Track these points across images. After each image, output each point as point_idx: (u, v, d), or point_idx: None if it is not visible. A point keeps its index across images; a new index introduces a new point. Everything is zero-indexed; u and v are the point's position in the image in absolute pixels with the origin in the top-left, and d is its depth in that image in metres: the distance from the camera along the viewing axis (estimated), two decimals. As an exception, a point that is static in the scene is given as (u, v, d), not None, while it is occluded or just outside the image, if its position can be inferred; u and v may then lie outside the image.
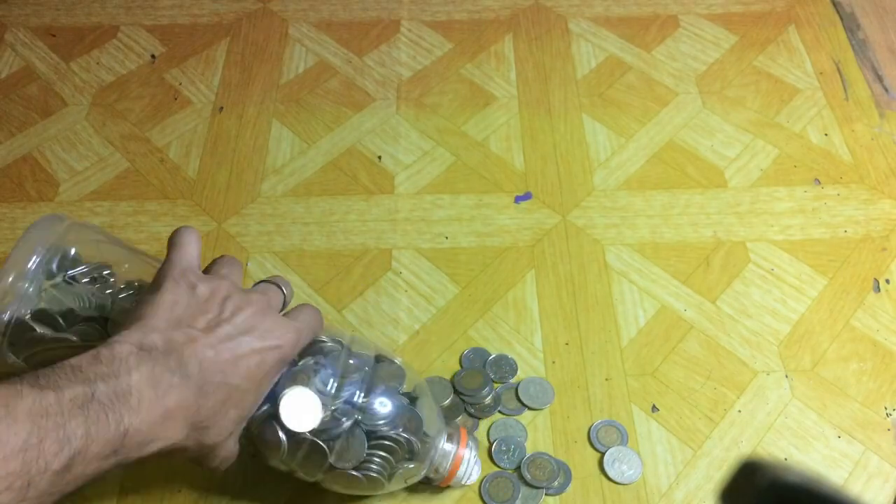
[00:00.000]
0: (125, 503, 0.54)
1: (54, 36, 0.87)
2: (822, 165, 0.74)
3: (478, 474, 0.53)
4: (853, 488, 0.55)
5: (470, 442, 0.52)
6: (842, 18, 0.88)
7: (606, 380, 0.60)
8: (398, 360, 0.52)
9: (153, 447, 0.39)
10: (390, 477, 0.49)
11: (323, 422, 0.46)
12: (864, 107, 0.79)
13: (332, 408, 0.47)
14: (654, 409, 0.59)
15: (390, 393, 0.49)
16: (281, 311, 0.48)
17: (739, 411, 0.58)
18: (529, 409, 0.59)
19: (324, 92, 0.82)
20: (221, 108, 0.80)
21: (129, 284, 0.52)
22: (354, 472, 0.47)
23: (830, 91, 0.81)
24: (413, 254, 0.68)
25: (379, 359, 0.51)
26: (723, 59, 0.84)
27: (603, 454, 0.56)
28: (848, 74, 0.82)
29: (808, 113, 0.79)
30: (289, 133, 0.78)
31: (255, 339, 0.43)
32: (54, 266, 0.49)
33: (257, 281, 0.50)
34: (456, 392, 0.59)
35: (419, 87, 0.82)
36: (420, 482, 0.52)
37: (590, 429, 0.57)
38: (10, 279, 0.47)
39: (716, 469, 0.56)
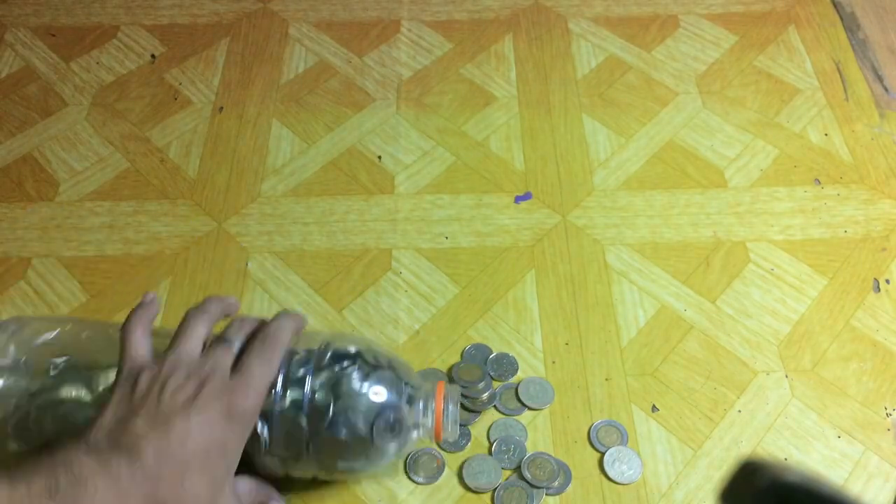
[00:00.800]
0: None
1: (54, 36, 0.87)
2: (823, 165, 0.74)
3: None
4: (853, 488, 0.55)
5: (448, 391, 0.51)
6: (842, 18, 0.88)
7: (606, 380, 0.60)
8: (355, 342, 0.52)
9: None
10: (372, 437, 0.49)
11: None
12: (865, 107, 0.79)
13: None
14: (654, 409, 0.59)
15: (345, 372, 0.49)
16: (235, 363, 0.48)
17: (739, 411, 0.58)
18: (529, 409, 0.59)
19: (324, 92, 0.81)
20: (221, 108, 0.80)
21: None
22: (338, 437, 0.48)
23: (830, 91, 0.81)
24: (413, 254, 0.68)
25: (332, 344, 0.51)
26: (723, 59, 0.84)
27: (603, 454, 0.56)
28: (848, 74, 0.82)
29: (809, 113, 0.79)
30: (289, 133, 0.78)
31: (195, 412, 0.44)
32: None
33: (214, 337, 0.50)
34: (452, 383, 0.59)
35: (419, 86, 0.82)
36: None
37: (590, 429, 0.57)
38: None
39: (716, 469, 0.56)
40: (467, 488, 0.54)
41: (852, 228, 0.69)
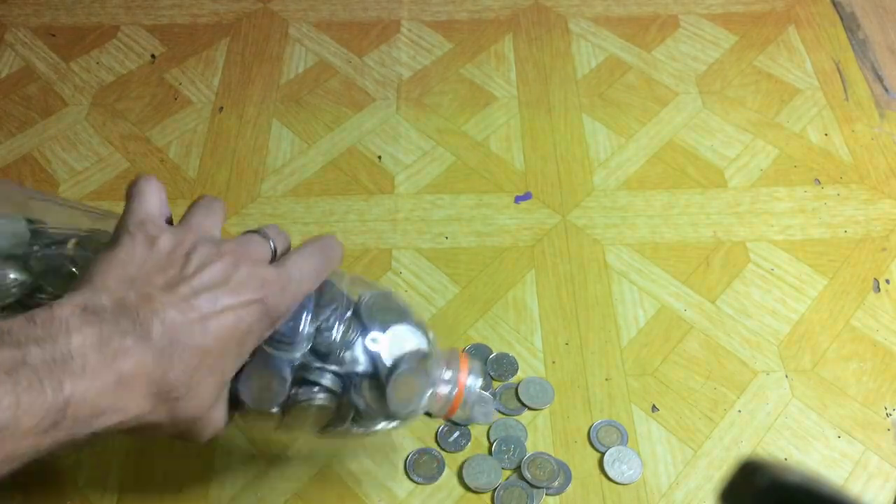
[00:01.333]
0: (123, 501, 0.54)
1: (54, 36, 0.87)
2: (822, 165, 0.74)
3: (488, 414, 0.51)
4: (853, 488, 0.55)
5: (472, 366, 0.48)
6: (842, 18, 0.88)
7: (606, 380, 0.60)
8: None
9: (107, 420, 0.33)
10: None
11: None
12: (865, 107, 0.79)
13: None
14: (654, 409, 0.59)
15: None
16: (272, 261, 0.42)
17: (739, 411, 0.58)
18: (529, 409, 0.59)
19: (324, 92, 0.81)
20: (221, 108, 0.80)
21: (79, 238, 0.45)
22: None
23: (830, 91, 0.81)
24: (413, 254, 0.68)
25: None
26: (723, 59, 0.84)
27: (603, 454, 0.56)
28: (848, 74, 0.82)
29: (809, 113, 0.79)
30: (289, 133, 0.78)
31: (227, 296, 0.37)
32: None
33: (244, 231, 0.44)
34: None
35: (419, 86, 0.82)
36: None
37: (590, 429, 0.57)
38: None
39: (716, 469, 0.56)
40: (467, 488, 0.54)
41: (852, 228, 0.69)
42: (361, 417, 0.45)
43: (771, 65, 0.84)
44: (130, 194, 0.41)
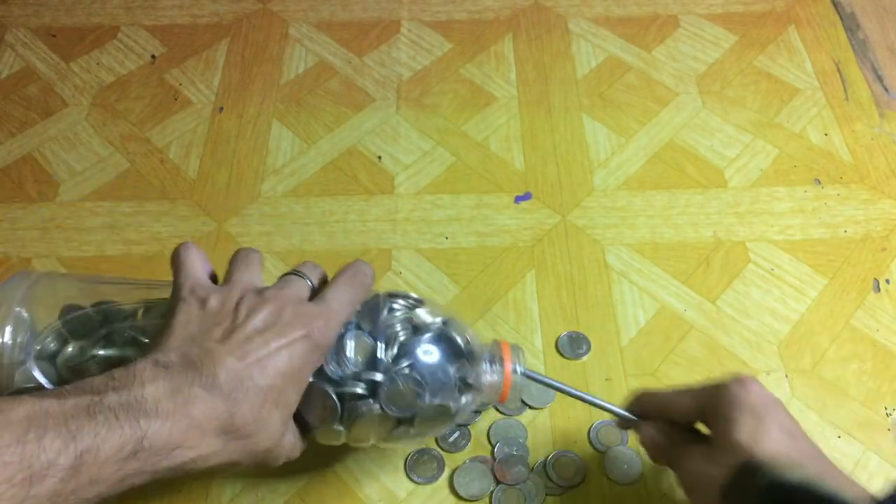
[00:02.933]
0: (126, 501, 0.54)
1: (54, 36, 0.87)
2: (822, 165, 0.74)
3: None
4: (853, 488, 0.55)
5: (516, 356, 0.50)
6: (842, 18, 0.88)
7: (606, 380, 0.60)
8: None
9: (183, 454, 0.37)
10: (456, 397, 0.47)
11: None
12: (865, 107, 0.79)
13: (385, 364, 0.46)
14: (655, 409, 0.59)
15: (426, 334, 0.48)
16: (313, 296, 0.46)
17: (739, 411, 0.58)
18: (531, 408, 0.59)
19: (324, 92, 0.82)
20: (221, 108, 0.80)
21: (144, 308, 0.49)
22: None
23: (830, 91, 0.81)
24: (413, 254, 0.68)
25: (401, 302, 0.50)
26: (723, 59, 0.84)
27: (603, 454, 0.56)
28: (848, 74, 0.82)
29: (809, 113, 0.79)
30: (289, 133, 0.78)
31: (277, 336, 0.41)
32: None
33: (282, 273, 0.48)
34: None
35: (419, 87, 0.82)
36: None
37: (590, 429, 0.57)
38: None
39: (716, 469, 0.56)
40: (461, 498, 0.54)
41: (852, 228, 0.69)
42: (418, 421, 0.47)
43: (771, 65, 0.84)
44: (176, 265, 0.46)
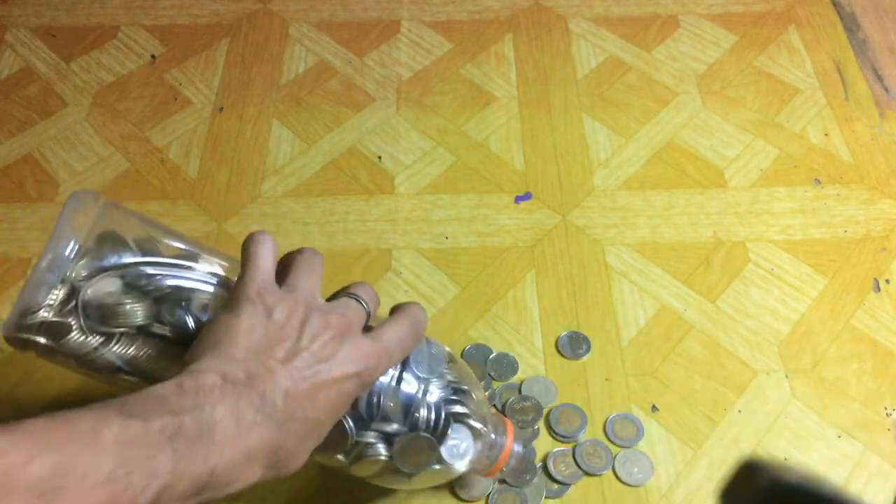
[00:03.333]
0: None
1: (54, 36, 0.87)
2: (822, 165, 0.74)
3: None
4: (853, 488, 0.55)
5: (517, 430, 0.52)
6: (842, 18, 0.88)
7: (606, 380, 0.60)
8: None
9: (234, 488, 0.37)
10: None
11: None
12: (864, 107, 0.79)
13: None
14: (654, 408, 0.59)
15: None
16: (367, 323, 0.45)
17: (740, 411, 0.58)
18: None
19: (324, 92, 0.82)
20: (221, 108, 0.80)
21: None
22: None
23: (830, 91, 0.81)
24: (413, 254, 0.68)
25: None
26: (723, 59, 0.84)
27: (615, 456, 0.56)
28: (848, 74, 0.82)
29: (809, 113, 0.79)
30: (289, 133, 0.78)
31: (334, 368, 0.41)
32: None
33: (336, 291, 0.47)
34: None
35: (419, 87, 0.82)
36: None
37: (606, 421, 0.58)
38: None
39: (716, 469, 0.56)
40: (460, 499, 0.54)
41: (852, 228, 0.69)
42: (417, 477, 0.48)
43: (771, 65, 0.84)
44: (246, 258, 0.44)
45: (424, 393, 0.47)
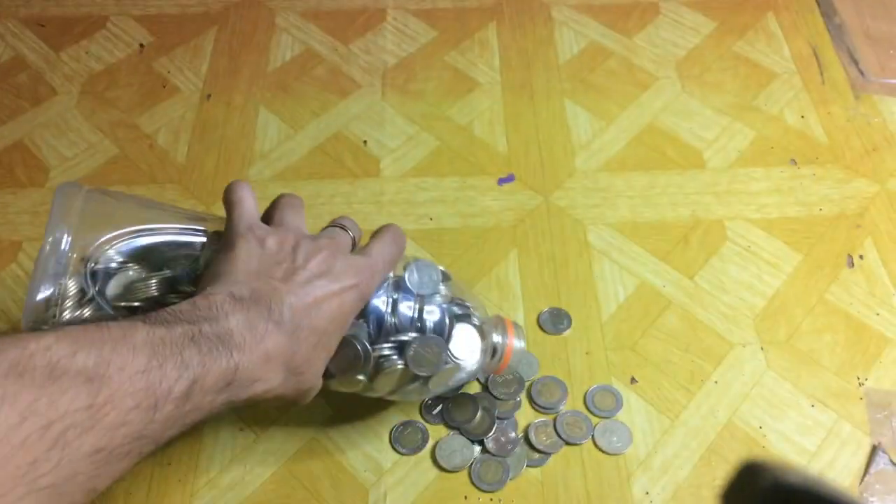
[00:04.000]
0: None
1: (44, 26, 0.88)
2: (799, 146, 0.76)
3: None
4: (827, 455, 0.57)
5: (516, 328, 0.55)
6: (819, 4, 0.90)
7: (587, 353, 0.62)
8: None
9: (259, 387, 0.40)
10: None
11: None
12: (840, 90, 0.81)
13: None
14: (633, 381, 0.60)
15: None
16: (353, 249, 0.49)
17: (716, 382, 0.60)
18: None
19: (310, 79, 0.83)
20: (209, 95, 0.81)
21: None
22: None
23: (807, 75, 0.83)
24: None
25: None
26: (702, 44, 0.86)
27: (595, 426, 0.58)
28: (824, 59, 0.84)
29: (786, 96, 0.81)
30: (276, 119, 0.79)
31: (332, 282, 0.44)
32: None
33: (324, 226, 0.51)
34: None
35: (404, 73, 0.83)
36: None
37: (585, 394, 0.59)
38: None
39: (692, 437, 0.57)
40: (442, 469, 0.56)
41: (827, 206, 0.71)
42: (433, 380, 0.52)
43: (749, 50, 0.85)
44: (231, 202, 0.48)
45: (426, 303, 0.51)
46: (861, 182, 0.73)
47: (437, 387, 0.53)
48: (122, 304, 0.46)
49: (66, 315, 0.45)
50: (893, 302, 0.65)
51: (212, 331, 0.38)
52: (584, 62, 0.84)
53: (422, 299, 0.51)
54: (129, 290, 0.47)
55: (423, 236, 0.69)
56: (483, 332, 0.53)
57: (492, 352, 0.54)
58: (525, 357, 0.57)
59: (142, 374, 0.35)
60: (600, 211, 0.71)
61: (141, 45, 0.86)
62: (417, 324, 0.50)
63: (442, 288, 0.53)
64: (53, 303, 0.45)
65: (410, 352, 0.49)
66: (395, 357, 0.49)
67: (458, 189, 0.73)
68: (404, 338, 0.49)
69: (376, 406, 0.58)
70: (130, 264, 0.48)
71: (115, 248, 0.47)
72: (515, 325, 0.55)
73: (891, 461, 0.56)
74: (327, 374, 0.48)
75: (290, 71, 0.84)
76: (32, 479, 0.31)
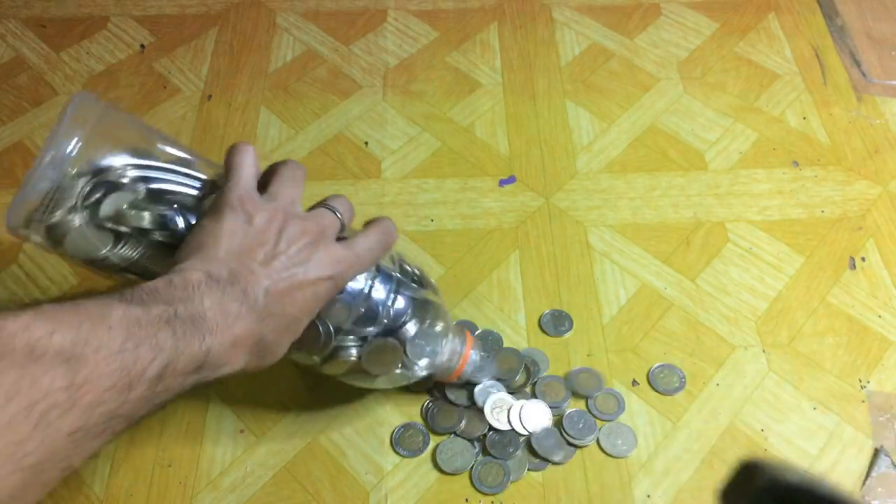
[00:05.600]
0: (119, 478, 0.55)
1: (45, 27, 0.88)
2: (801, 148, 0.76)
3: (489, 375, 0.59)
4: (829, 458, 0.57)
5: (476, 342, 0.57)
6: (821, 5, 0.90)
7: (588, 355, 0.61)
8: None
9: (225, 370, 0.41)
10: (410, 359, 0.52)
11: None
12: (842, 91, 0.81)
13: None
14: (635, 383, 0.60)
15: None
16: (341, 232, 0.49)
17: (718, 385, 0.60)
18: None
19: (311, 80, 0.83)
20: (210, 95, 0.81)
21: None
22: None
23: (809, 76, 0.82)
24: (399, 236, 0.69)
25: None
26: (704, 45, 0.86)
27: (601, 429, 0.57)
28: (826, 60, 0.84)
29: (787, 97, 0.80)
30: (277, 120, 0.79)
31: (310, 271, 0.45)
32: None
33: (315, 203, 0.50)
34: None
35: (405, 74, 0.83)
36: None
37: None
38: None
39: (694, 440, 0.57)
40: (443, 471, 0.56)
41: (829, 208, 0.71)
42: (381, 379, 0.53)
43: (751, 51, 0.85)
44: (230, 166, 0.47)
45: (393, 301, 0.51)
46: (863, 184, 0.73)
47: (382, 384, 0.54)
48: (110, 225, 0.46)
49: (55, 218, 0.45)
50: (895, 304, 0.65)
51: (186, 312, 0.39)
52: (586, 63, 0.84)
53: (392, 293, 0.51)
54: (121, 214, 0.46)
55: (424, 238, 0.69)
56: (440, 341, 0.54)
57: (447, 359, 0.54)
58: (482, 366, 0.57)
59: (117, 354, 0.35)
60: (602, 212, 0.71)
61: (142, 46, 0.86)
62: (384, 318, 0.51)
63: (414, 285, 0.53)
64: (45, 203, 0.44)
65: (367, 349, 0.50)
66: (352, 350, 0.50)
67: (460, 190, 0.73)
68: (363, 333, 0.50)
69: (377, 407, 0.58)
70: (131, 190, 0.47)
71: (121, 170, 0.47)
72: (477, 340, 0.57)
73: (893, 464, 0.56)
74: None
75: (291, 71, 0.83)
76: (20, 457, 0.31)
